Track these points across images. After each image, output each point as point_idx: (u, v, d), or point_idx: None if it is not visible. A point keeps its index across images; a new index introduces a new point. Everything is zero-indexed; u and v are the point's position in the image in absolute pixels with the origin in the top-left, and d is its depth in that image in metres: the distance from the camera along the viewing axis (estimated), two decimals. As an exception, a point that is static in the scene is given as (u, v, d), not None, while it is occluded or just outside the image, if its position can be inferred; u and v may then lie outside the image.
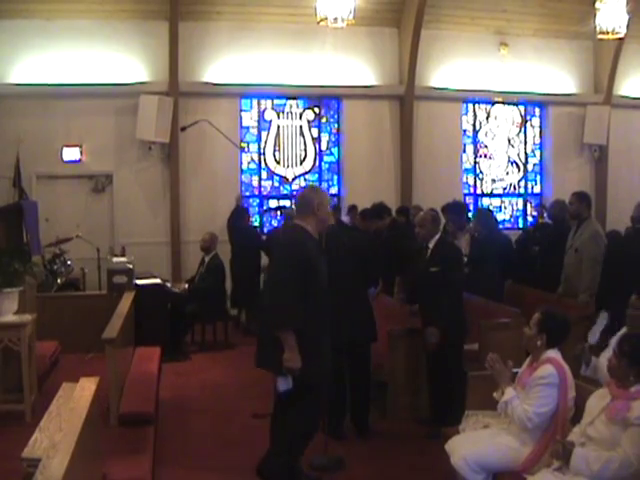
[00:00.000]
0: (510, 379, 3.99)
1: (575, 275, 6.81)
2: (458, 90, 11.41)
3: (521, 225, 11.97)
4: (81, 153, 10.22)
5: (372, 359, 5.73)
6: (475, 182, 12.00)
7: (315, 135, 11.34)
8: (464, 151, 11.86)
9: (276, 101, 11.17)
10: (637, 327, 4.40)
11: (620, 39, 9.63)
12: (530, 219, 11.95)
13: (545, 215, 9.39)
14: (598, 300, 6.31)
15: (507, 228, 11.85)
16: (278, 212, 10.78)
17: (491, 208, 11.42)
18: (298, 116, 11.27)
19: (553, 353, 3.92)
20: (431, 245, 5.66)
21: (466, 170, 11.90)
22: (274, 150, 11.20)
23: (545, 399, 3.76)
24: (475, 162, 11.99)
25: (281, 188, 11.27)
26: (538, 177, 12.32)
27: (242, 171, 11.03)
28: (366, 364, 5.64)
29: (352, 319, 5.34)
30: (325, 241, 5.00)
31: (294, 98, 11.19)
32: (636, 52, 11.91)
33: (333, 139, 11.41)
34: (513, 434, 3.89)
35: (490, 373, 4.06)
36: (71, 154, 10.18)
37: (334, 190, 11.41)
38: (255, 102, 11.08)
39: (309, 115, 11.31)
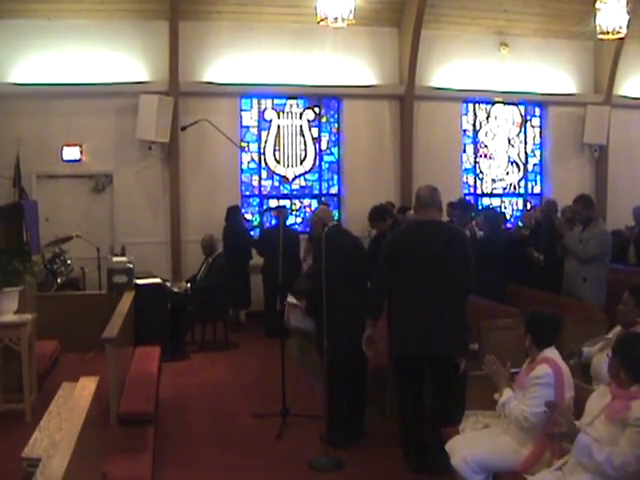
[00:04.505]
0: (508, 380, 3.99)
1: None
2: (458, 90, 11.40)
3: (521, 225, 11.93)
4: (81, 153, 10.22)
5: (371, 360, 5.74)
6: (475, 182, 12.00)
7: (315, 135, 11.33)
8: (464, 151, 11.85)
9: (276, 101, 11.16)
10: (626, 323, 4.41)
11: (620, 39, 9.62)
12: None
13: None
14: None
15: (507, 228, 11.85)
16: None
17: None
18: (298, 116, 11.26)
19: (550, 353, 3.92)
20: None
21: (466, 170, 11.89)
22: (274, 150, 11.19)
23: (541, 399, 3.75)
24: (475, 162, 11.98)
25: (281, 188, 11.26)
26: (538, 177, 12.31)
27: (242, 171, 11.02)
28: (363, 372, 5.62)
29: (354, 327, 5.30)
30: (324, 243, 5.01)
31: (294, 98, 11.18)
32: (636, 52, 11.91)
33: (333, 139, 11.40)
34: (513, 434, 3.89)
35: (488, 374, 4.06)
36: (71, 154, 10.18)
37: (334, 190, 11.41)
38: (255, 102, 11.08)
39: (309, 115, 11.30)
